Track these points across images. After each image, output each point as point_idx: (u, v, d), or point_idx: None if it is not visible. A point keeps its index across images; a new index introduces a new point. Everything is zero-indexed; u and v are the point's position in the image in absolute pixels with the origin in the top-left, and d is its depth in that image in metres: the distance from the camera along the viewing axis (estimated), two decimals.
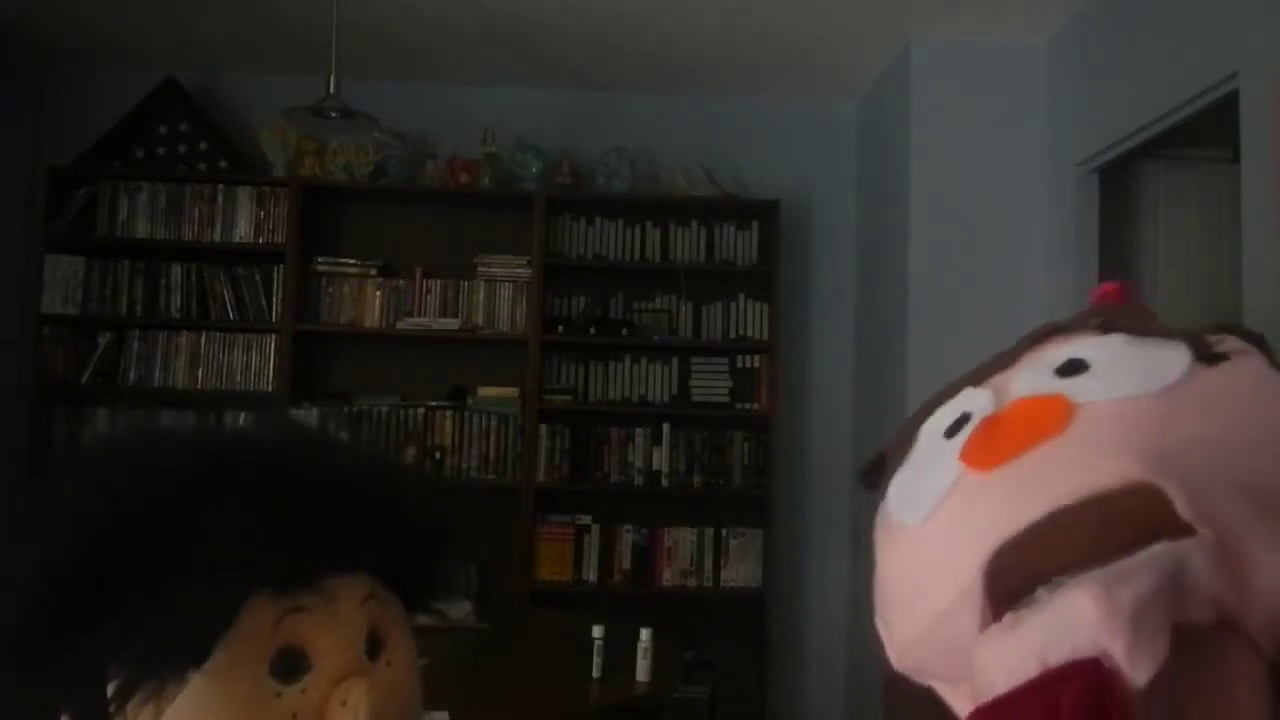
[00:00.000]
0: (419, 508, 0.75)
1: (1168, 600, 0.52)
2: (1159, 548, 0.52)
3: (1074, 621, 0.52)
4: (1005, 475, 0.57)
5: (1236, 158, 2.69)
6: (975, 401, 0.64)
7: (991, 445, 0.59)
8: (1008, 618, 0.55)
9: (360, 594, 0.68)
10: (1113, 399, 0.58)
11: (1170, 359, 0.60)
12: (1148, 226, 3.64)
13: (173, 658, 0.60)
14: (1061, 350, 0.64)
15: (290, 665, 0.63)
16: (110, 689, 0.61)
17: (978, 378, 0.68)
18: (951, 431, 0.63)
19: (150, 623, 0.60)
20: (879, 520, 0.69)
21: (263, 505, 0.64)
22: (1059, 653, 0.52)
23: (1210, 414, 0.57)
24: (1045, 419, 0.58)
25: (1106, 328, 0.64)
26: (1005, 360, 0.68)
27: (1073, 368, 0.62)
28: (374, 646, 0.68)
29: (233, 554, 0.62)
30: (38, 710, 0.62)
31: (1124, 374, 0.59)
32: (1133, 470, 0.54)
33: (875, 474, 0.75)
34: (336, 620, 0.66)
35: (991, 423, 0.61)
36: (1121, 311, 0.67)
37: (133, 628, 0.60)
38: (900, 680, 0.65)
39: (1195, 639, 0.52)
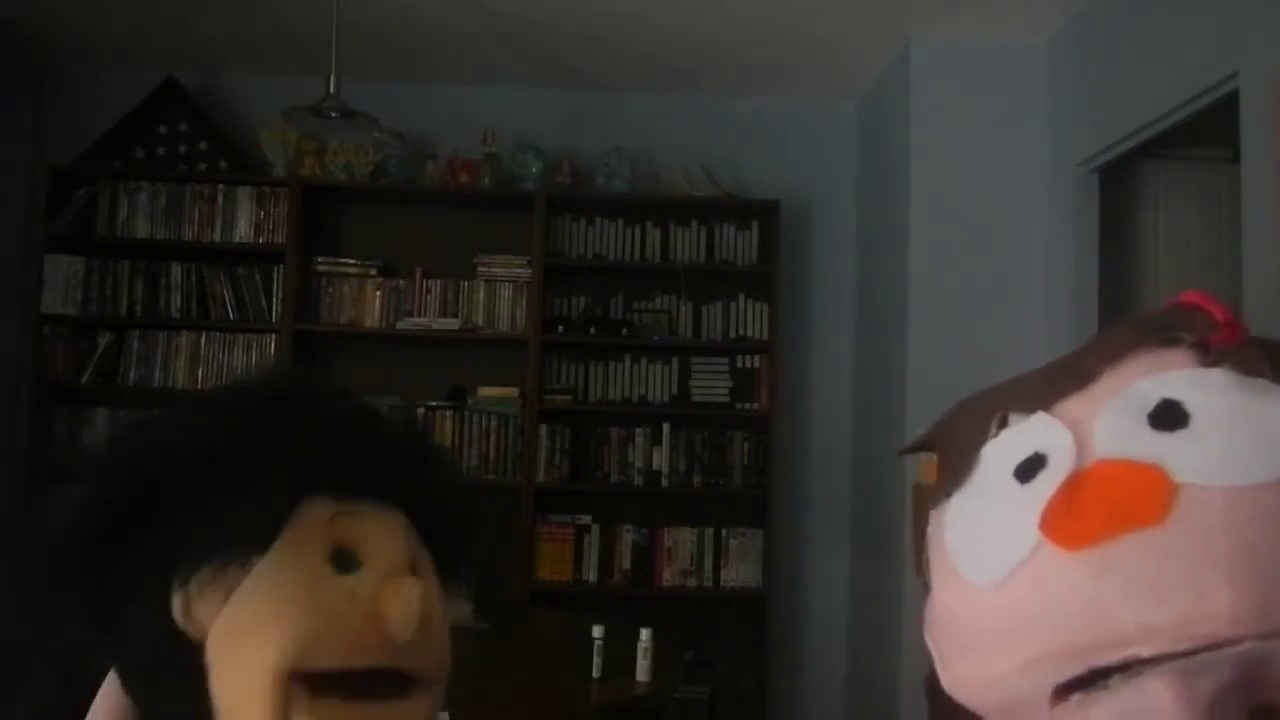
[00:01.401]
0: (450, 474, 0.84)
1: (1247, 689, 0.49)
2: (1246, 647, 0.49)
3: (1149, 710, 0.49)
4: (1091, 564, 0.52)
5: (1236, 158, 2.69)
6: (1052, 440, 0.58)
7: (1076, 517, 0.54)
8: (1076, 698, 0.53)
9: (402, 523, 0.75)
10: (1221, 486, 0.52)
11: None
12: (1148, 226, 3.64)
13: (237, 543, 0.67)
14: (1153, 383, 0.57)
15: (344, 560, 0.70)
16: (180, 572, 0.68)
17: (1046, 397, 0.61)
18: (1024, 473, 0.58)
19: (217, 515, 0.68)
20: (933, 540, 0.65)
21: (321, 427, 0.73)
22: None
23: None
24: (1141, 500, 0.52)
25: (1205, 355, 0.58)
26: (1078, 374, 0.61)
27: (1169, 417, 0.55)
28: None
29: (290, 460, 0.70)
30: (123, 593, 0.69)
31: (1233, 442, 0.53)
32: (1243, 611, 0.49)
33: (917, 450, 0.72)
34: (386, 530, 0.73)
35: (1075, 485, 0.55)
36: (1224, 334, 0.59)
37: (203, 519, 0.68)
38: (947, 695, 0.64)
39: (1273, 716, 0.50)
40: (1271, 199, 2.45)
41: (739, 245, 4.28)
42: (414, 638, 0.69)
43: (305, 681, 0.66)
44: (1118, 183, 3.56)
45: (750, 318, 4.24)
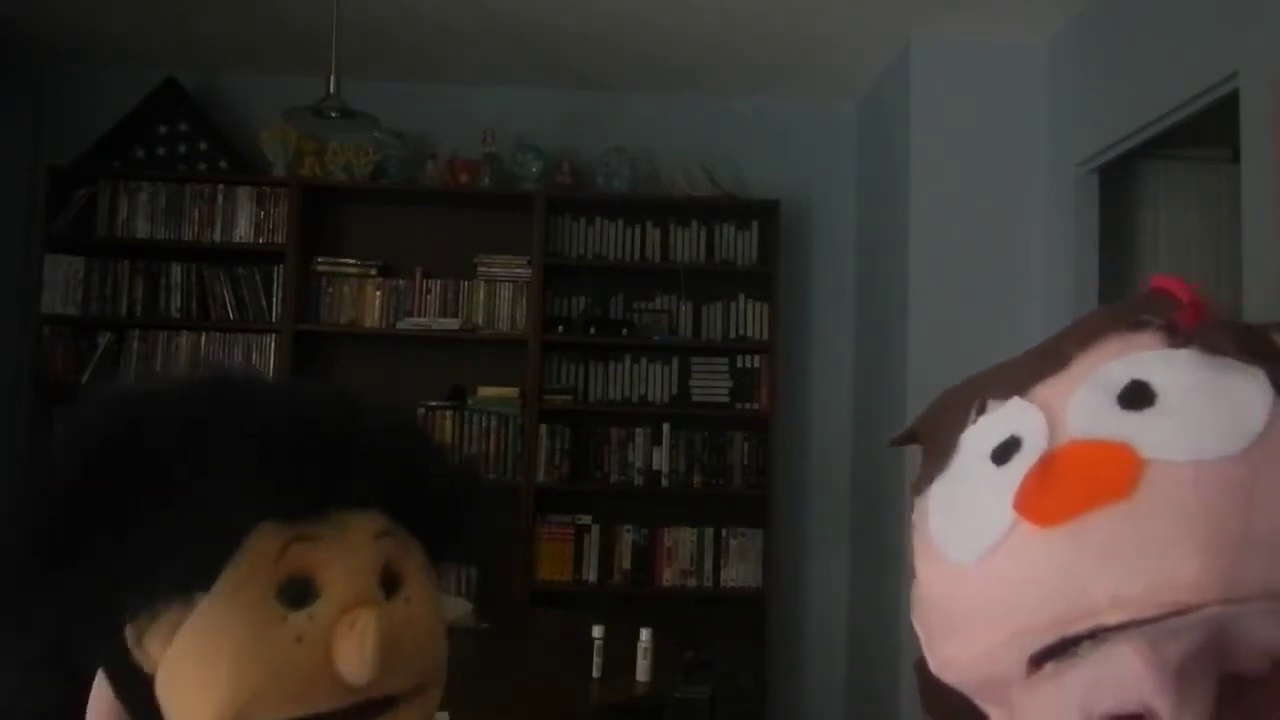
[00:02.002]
0: (435, 457, 0.76)
1: (1215, 655, 0.50)
2: (1211, 610, 0.50)
3: (1119, 676, 0.50)
4: (1064, 539, 0.53)
5: (1236, 158, 2.69)
6: (1026, 424, 0.60)
7: (1048, 495, 0.55)
8: (1049, 666, 0.54)
9: (373, 529, 0.68)
10: (1186, 459, 0.53)
11: (1249, 396, 0.55)
12: (1148, 226, 3.64)
13: (177, 580, 0.61)
14: (1122, 364, 0.59)
15: (298, 592, 0.63)
16: (125, 607, 0.62)
17: (1022, 382, 0.63)
18: (1000, 455, 0.60)
19: (155, 545, 0.61)
20: (917, 525, 0.66)
21: (269, 437, 0.65)
22: (1102, 706, 0.51)
23: None
24: (1109, 475, 0.54)
25: (1174, 337, 0.59)
26: (1052, 358, 0.63)
27: (1138, 396, 0.57)
28: (390, 583, 0.68)
29: (237, 481, 0.62)
30: (52, 630, 0.64)
31: (1198, 417, 0.54)
32: (1208, 578, 0.50)
33: (904, 442, 0.73)
34: (346, 551, 0.65)
35: (1047, 465, 0.57)
36: (1188, 315, 0.60)
37: (138, 550, 0.61)
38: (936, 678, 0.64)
39: (1244, 687, 0.51)
40: (1271, 199, 2.45)
41: (739, 245, 4.28)
42: (379, 669, 0.63)
43: None
44: (1118, 183, 3.56)
45: (750, 318, 4.24)
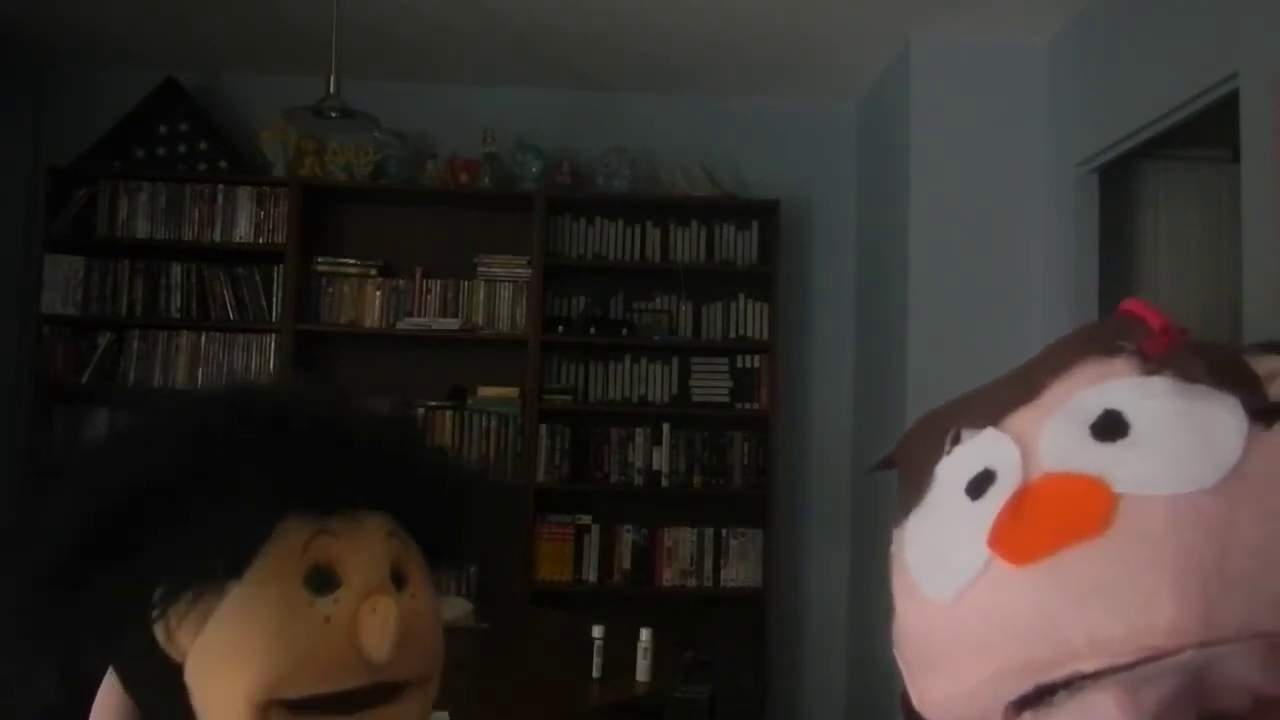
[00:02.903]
0: (438, 462, 0.83)
1: (1194, 696, 0.49)
2: (1189, 654, 0.49)
3: None
4: (1038, 578, 0.53)
5: (1236, 158, 2.69)
6: (999, 456, 0.59)
7: (1022, 532, 0.54)
8: (1027, 716, 0.53)
9: (384, 528, 0.73)
10: (1160, 494, 0.52)
11: (1223, 425, 0.54)
12: (1148, 226, 3.64)
13: (210, 569, 0.66)
14: (1095, 392, 0.58)
15: (322, 581, 0.69)
16: (156, 599, 0.67)
17: (995, 411, 0.62)
18: (974, 489, 0.59)
19: (190, 540, 0.66)
20: (895, 557, 0.66)
21: (295, 442, 0.70)
22: None
23: (1274, 510, 0.51)
24: (1083, 512, 0.53)
25: (1147, 364, 0.58)
26: (1025, 386, 0.62)
27: (1111, 427, 0.55)
28: (398, 580, 0.73)
29: (266, 481, 0.68)
30: (95, 621, 0.68)
31: (1173, 450, 0.53)
32: (1186, 620, 0.49)
33: (882, 468, 0.73)
34: (364, 545, 0.71)
35: (1021, 500, 0.56)
36: (1159, 342, 0.59)
37: (176, 545, 0.66)
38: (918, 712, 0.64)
39: None
40: (1271, 199, 2.45)
41: (739, 245, 4.28)
42: (396, 652, 0.68)
43: (285, 705, 0.66)
44: (1118, 183, 3.56)
45: (750, 318, 4.24)
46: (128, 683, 0.72)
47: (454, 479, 0.82)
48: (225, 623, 0.66)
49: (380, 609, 0.68)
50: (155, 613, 0.67)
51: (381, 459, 0.75)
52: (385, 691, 0.70)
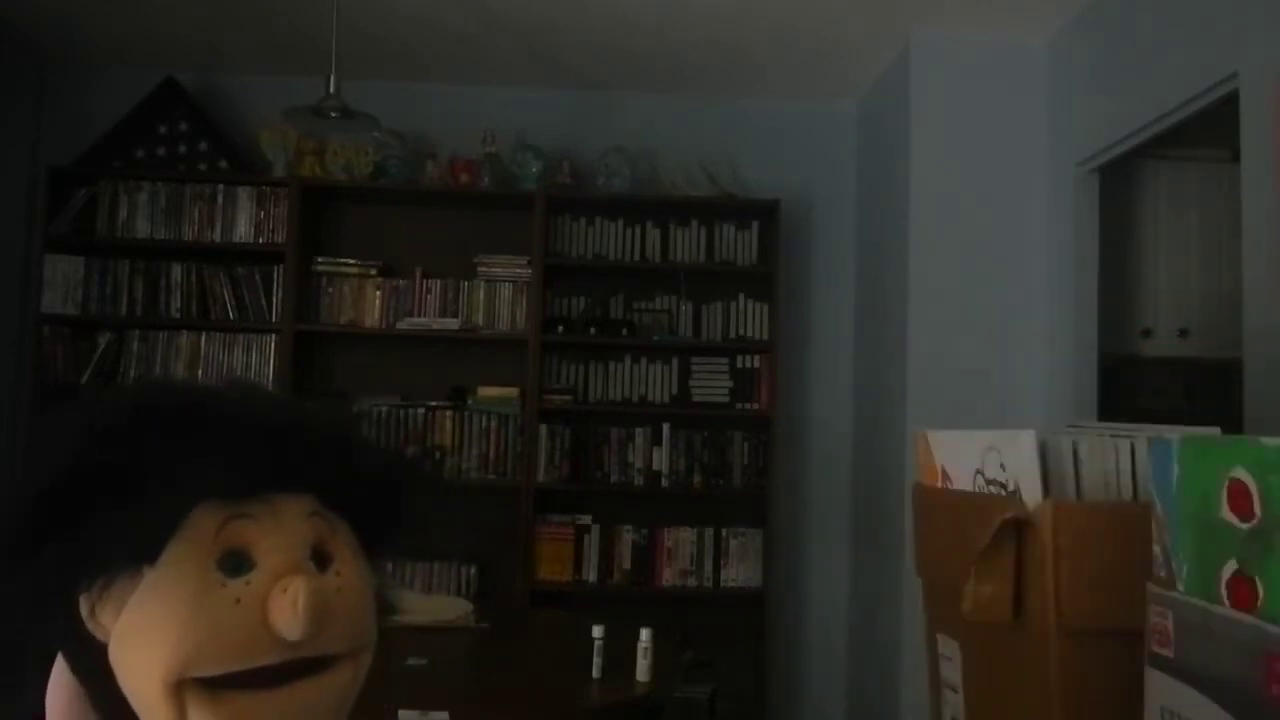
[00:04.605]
0: (366, 450, 0.83)
1: None
2: None
3: None
4: None
5: (1236, 158, 2.69)
6: None
7: None
8: None
9: (304, 510, 0.75)
10: None
11: None
12: (1148, 226, 3.64)
13: (126, 554, 0.69)
14: None
15: (236, 563, 0.71)
16: (77, 584, 0.71)
17: None
18: None
19: (108, 527, 0.69)
20: None
21: (210, 431, 0.73)
22: None
23: None
24: None
25: None
26: None
27: None
28: (321, 560, 0.75)
29: (181, 469, 0.71)
30: (22, 605, 0.72)
31: None
32: None
33: None
34: (279, 528, 0.73)
35: None
36: None
37: (95, 533, 0.69)
38: None
39: None
40: (1271, 199, 2.45)
41: (739, 245, 4.28)
42: (314, 629, 0.70)
43: (200, 683, 0.68)
44: (1118, 183, 3.56)
45: (750, 318, 4.24)
46: (70, 664, 0.76)
47: (380, 463, 0.84)
48: (139, 605, 0.69)
49: (291, 588, 0.69)
50: (82, 594, 0.71)
51: (306, 443, 0.77)
52: (309, 666, 0.72)
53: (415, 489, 0.85)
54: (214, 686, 0.69)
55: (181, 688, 0.68)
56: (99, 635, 0.71)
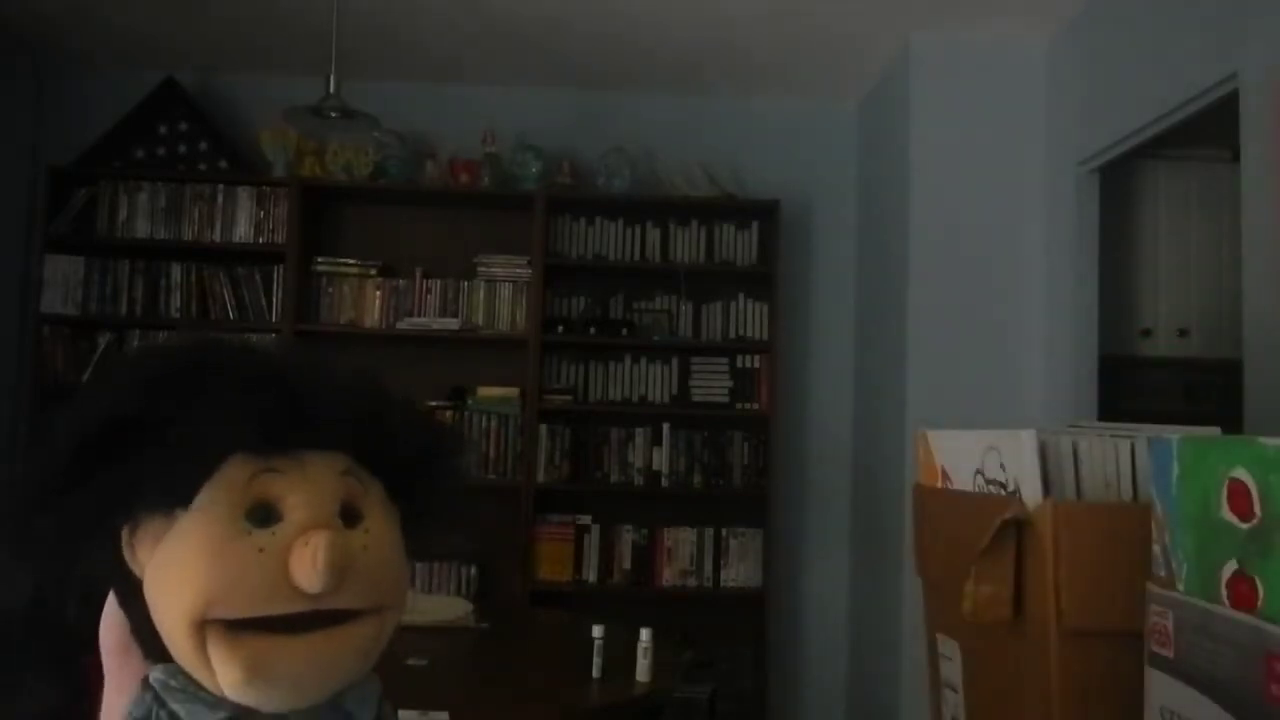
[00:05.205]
0: (398, 408, 0.86)
1: None
2: None
3: None
4: None
5: (1236, 158, 2.69)
6: None
7: None
8: None
9: (336, 468, 0.78)
10: None
11: None
12: (1148, 226, 3.64)
13: (159, 493, 0.73)
14: None
15: (264, 515, 0.74)
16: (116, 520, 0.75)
17: None
18: None
19: (145, 468, 0.73)
20: None
21: (245, 383, 0.76)
22: None
23: None
24: None
25: None
26: None
27: None
28: (351, 517, 0.77)
29: (217, 421, 0.74)
30: (66, 543, 0.75)
31: None
32: None
33: None
34: (308, 483, 0.76)
35: None
36: None
37: (133, 472, 0.73)
38: None
39: None
40: (1271, 199, 2.45)
41: (739, 245, 4.28)
42: (333, 582, 0.72)
43: (222, 624, 0.71)
44: (1118, 183, 3.56)
45: (750, 318, 4.24)
46: (118, 599, 0.80)
47: (414, 427, 0.86)
48: (170, 545, 0.73)
49: (313, 541, 0.72)
50: (123, 530, 0.75)
51: (338, 401, 0.79)
52: (331, 617, 0.74)
53: (449, 453, 0.88)
54: (235, 628, 0.71)
55: (204, 626, 0.71)
56: (136, 571, 0.75)
